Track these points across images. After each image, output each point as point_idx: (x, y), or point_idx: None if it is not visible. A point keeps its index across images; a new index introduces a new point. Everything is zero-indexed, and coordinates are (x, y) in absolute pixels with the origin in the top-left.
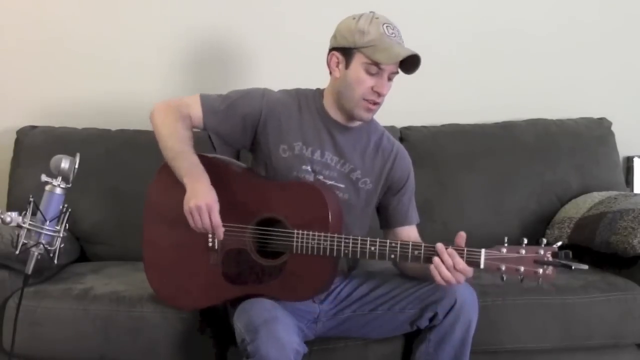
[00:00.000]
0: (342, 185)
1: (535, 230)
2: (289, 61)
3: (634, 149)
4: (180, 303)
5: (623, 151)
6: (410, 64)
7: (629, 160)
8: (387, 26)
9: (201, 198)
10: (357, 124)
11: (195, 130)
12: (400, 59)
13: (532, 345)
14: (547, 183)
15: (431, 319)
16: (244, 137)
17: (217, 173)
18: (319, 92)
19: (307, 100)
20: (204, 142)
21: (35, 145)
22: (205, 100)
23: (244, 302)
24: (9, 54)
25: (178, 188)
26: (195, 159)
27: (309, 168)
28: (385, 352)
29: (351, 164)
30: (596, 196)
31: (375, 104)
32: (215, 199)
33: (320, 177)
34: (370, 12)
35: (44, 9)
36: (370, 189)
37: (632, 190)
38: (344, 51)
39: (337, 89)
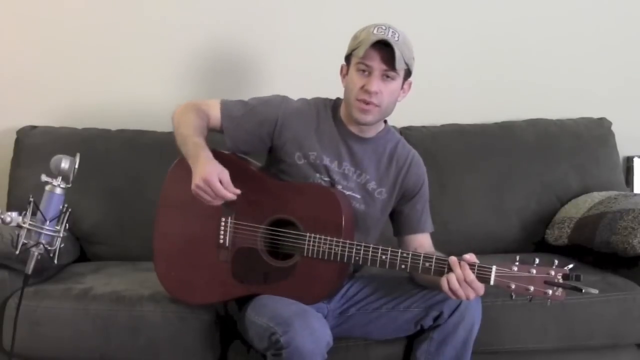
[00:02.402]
0: (358, 196)
1: (535, 230)
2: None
3: (634, 149)
4: (186, 297)
5: (623, 151)
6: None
7: (629, 160)
8: (377, 28)
9: (198, 176)
10: (372, 134)
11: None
12: (370, 43)
13: (532, 345)
14: (547, 183)
15: (435, 319)
16: (261, 144)
17: (233, 171)
18: (339, 102)
19: (325, 110)
20: (221, 143)
21: (35, 145)
22: (225, 105)
23: (259, 299)
24: (10, 54)
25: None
26: (198, 140)
27: (325, 177)
28: (386, 353)
29: (367, 174)
30: (596, 196)
31: (369, 103)
32: (216, 168)
33: (339, 187)
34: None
35: (45, 10)
36: (385, 198)
37: (632, 190)
38: (346, 60)
39: (344, 97)
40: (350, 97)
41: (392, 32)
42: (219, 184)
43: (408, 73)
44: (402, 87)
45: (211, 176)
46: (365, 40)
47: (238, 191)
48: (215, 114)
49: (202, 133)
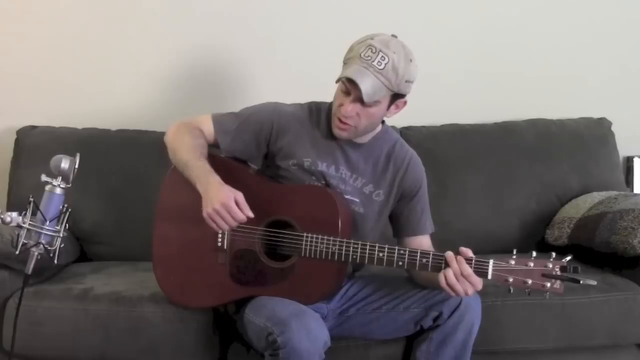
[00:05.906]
0: (357, 200)
1: (535, 230)
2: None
3: (634, 149)
4: (185, 301)
5: (623, 151)
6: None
7: (629, 160)
8: (370, 48)
9: (215, 200)
10: (366, 139)
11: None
12: (342, 77)
13: (532, 345)
14: (547, 183)
15: (435, 319)
16: (258, 152)
17: (229, 174)
18: None
19: (320, 115)
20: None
21: (35, 145)
22: (217, 120)
23: (257, 299)
24: (9, 54)
25: (190, 186)
26: (201, 163)
27: (322, 181)
28: (386, 353)
29: (363, 178)
30: (596, 196)
31: (343, 123)
32: (229, 193)
33: (338, 192)
34: (378, 35)
35: (46, 10)
36: (382, 199)
37: (632, 190)
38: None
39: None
40: (333, 109)
41: (382, 56)
42: (236, 207)
43: (399, 95)
44: (388, 108)
45: (229, 200)
46: (352, 60)
47: (251, 214)
48: (208, 130)
49: (202, 153)
